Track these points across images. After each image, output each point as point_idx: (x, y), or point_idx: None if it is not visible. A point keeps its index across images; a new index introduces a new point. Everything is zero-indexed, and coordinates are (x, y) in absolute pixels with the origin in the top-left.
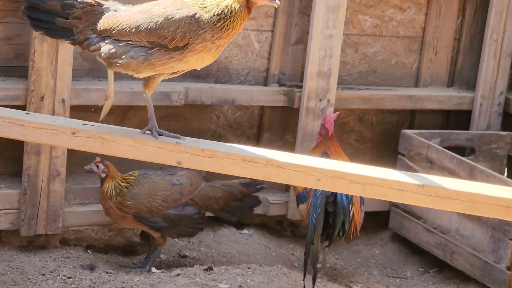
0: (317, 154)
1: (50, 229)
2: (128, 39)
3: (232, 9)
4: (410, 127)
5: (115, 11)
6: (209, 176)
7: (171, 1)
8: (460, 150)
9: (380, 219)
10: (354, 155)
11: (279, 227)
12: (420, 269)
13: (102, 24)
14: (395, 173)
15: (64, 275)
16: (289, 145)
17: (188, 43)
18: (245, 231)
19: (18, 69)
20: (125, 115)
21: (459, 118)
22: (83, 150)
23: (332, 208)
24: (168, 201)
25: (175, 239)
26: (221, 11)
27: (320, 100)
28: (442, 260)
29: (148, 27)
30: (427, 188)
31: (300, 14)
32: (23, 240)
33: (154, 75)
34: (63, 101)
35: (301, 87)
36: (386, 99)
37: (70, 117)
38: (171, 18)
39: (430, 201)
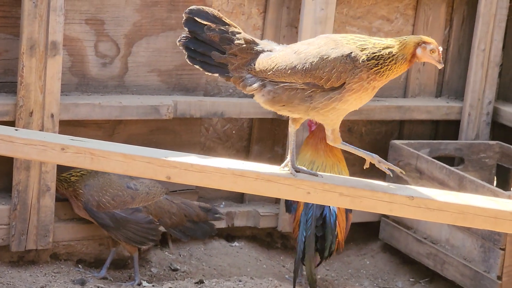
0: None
1: (40, 244)
2: (284, 81)
3: (393, 58)
4: (399, 138)
5: (270, 51)
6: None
7: (325, 40)
8: (449, 160)
9: (370, 229)
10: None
11: (269, 239)
12: (411, 279)
13: (257, 65)
14: (385, 186)
15: None
16: (279, 157)
17: (344, 82)
18: (235, 243)
19: (7, 84)
20: (114, 129)
21: (447, 128)
22: (72, 165)
23: (320, 232)
24: (117, 201)
25: (167, 253)
26: (380, 56)
27: None
28: (433, 270)
29: (304, 68)
30: (417, 200)
31: (288, 27)
32: (13, 255)
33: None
34: (52, 116)
35: None
36: (375, 110)
37: (59, 132)
38: (326, 58)
39: (419, 213)
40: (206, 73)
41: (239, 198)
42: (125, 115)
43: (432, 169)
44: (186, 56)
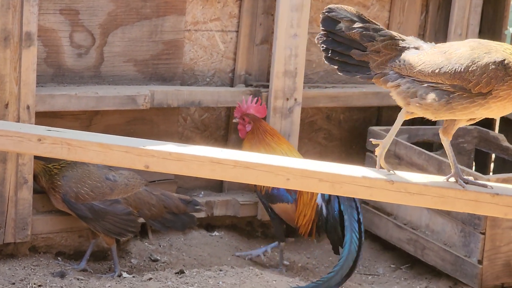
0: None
1: (19, 237)
2: (429, 81)
3: None
4: (378, 124)
5: (417, 48)
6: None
7: (475, 43)
8: (428, 145)
9: None
10: (322, 154)
11: (249, 228)
12: (392, 266)
13: (403, 62)
14: (365, 170)
15: (35, 283)
16: None
17: (492, 89)
18: (215, 233)
19: None
20: (91, 120)
21: None
22: (49, 156)
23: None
24: (96, 192)
25: (147, 244)
26: None
27: (287, 99)
28: (414, 256)
29: (453, 70)
30: (397, 184)
31: (264, 14)
32: None
33: (454, 121)
34: (28, 107)
35: (267, 87)
36: (353, 96)
37: (35, 124)
38: (478, 62)
39: (400, 197)
40: (343, 74)
41: (218, 187)
42: (102, 106)
43: (411, 155)
44: (324, 57)
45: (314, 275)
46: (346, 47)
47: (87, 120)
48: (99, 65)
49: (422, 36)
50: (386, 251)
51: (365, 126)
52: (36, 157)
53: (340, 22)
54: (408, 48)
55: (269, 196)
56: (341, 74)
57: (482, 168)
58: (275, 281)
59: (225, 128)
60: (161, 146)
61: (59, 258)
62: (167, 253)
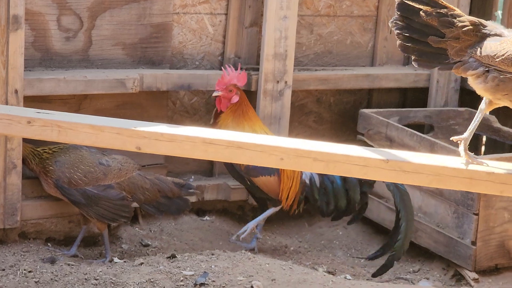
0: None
1: (8, 223)
2: None
3: None
4: (368, 107)
5: (499, 35)
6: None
7: None
8: (419, 127)
9: None
10: (313, 137)
11: (240, 212)
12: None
13: (484, 49)
14: (359, 149)
15: (25, 269)
16: None
17: None
18: (206, 217)
19: None
20: (80, 104)
21: (416, 96)
22: (39, 139)
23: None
24: (89, 178)
25: (137, 229)
26: None
27: (278, 82)
28: None
29: None
30: (391, 163)
31: None
32: None
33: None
34: (16, 92)
35: (257, 69)
36: (343, 79)
37: None
38: None
39: (395, 176)
40: (418, 64)
41: (209, 171)
42: (91, 90)
43: (403, 137)
44: (398, 44)
45: (306, 258)
46: (423, 34)
47: (76, 104)
48: (88, 49)
49: None
50: (378, 235)
51: (356, 109)
52: (24, 141)
53: (417, 7)
54: (489, 35)
55: (250, 170)
56: (416, 65)
57: (473, 150)
58: (268, 264)
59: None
60: (152, 127)
61: (49, 244)
62: (158, 238)
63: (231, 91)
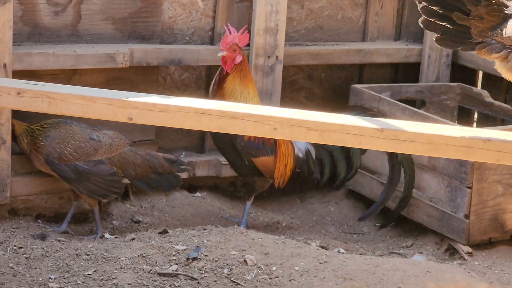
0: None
1: None
2: None
3: None
4: (359, 83)
5: None
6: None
7: None
8: (411, 103)
9: None
10: None
11: (232, 189)
12: (376, 224)
13: (506, 31)
14: (354, 119)
15: (15, 245)
16: None
17: None
18: (198, 194)
19: None
20: (69, 80)
21: (408, 71)
22: (29, 110)
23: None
24: (79, 153)
25: (128, 205)
26: None
27: (269, 57)
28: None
29: None
30: (386, 132)
31: None
32: None
33: None
34: (4, 66)
35: (248, 44)
36: (334, 54)
37: None
38: None
39: (390, 145)
40: (442, 44)
41: (200, 147)
42: (80, 64)
43: (395, 111)
44: (421, 20)
45: (299, 233)
46: (449, 8)
47: (66, 80)
48: (77, 24)
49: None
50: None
51: (347, 84)
52: (17, 117)
53: None
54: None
55: (250, 150)
56: (439, 44)
57: (465, 125)
58: (260, 238)
59: (205, 88)
60: (144, 98)
61: (39, 220)
62: (149, 214)
63: (234, 50)
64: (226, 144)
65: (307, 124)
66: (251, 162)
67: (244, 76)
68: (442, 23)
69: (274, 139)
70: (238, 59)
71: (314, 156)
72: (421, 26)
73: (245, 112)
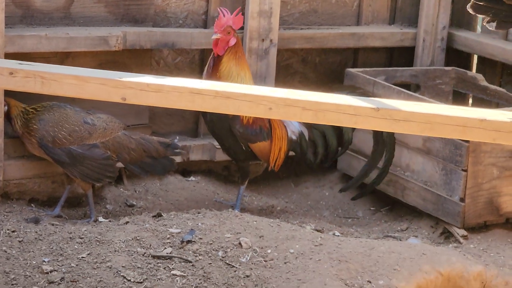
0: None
1: None
2: None
3: None
4: (354, 67)
5: None
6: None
7: None
8: (405, 87)
9: None
10: None
11: (226, 173)
12: (371, 208)
13: None
14: (349, 98)
15: (8, 229)
16: None
17: None
18: (192, 178)
19: None
20: (62, 62)
21: (402, 56)
22: (22, 90)
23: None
24: (74, 137)
25: (122, 189)
26: None
27: (263, 40)
28: (394, 197)
29: None
30: (382, 111)
31: None
32: None
33: None
34: None
35: (242, 28)
36: (329, 37)
37: None
38: None
39: (385, 124)
40: (493, 26)
41: (194, 132)
42: (73, 47)
43: (390, 95)
44: (470, 5)
45: (293, 217)
46: None
47: (58, 63)
48: (69, 6)
49: None
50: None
51: (341, 69)
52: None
53: None
54: None
55: (248, 136)
56: (490, 26)
57: None
58: (255, 221)
59: (199, 72)
60: (138, 78)
61: (32, 204)
62: (143, 198)
63: (229, 33)
64: (224, 130)
65: (301, 103)
66: (248, 148)
67: (240, 58)
68: (492, 5)
69: (270, 123)
70: (232, 41)
71: (307, 138)
72: (470, 11)
73: (239, 92)
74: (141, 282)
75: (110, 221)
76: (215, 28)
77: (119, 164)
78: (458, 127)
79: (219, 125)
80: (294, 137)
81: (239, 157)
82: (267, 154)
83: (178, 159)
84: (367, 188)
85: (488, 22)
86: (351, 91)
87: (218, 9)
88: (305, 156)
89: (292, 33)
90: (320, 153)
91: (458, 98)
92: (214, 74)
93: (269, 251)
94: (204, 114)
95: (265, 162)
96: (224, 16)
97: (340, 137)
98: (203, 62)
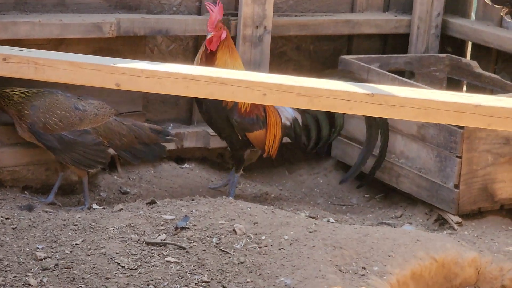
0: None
1: None
2: None
3: None
4: (348, 54)
5: None
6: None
7: None
8: (400, 74)
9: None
10: None
11: (220, 160)
12: (365, 196)
13: None
14: (344, 84)
15: (2, 216)
16: None
17: None
18: (186, 165)
19: None
20: (55, 49)
21: (396, 43)
22: (16, 76)
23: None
24: (64, 123)
25: (116, 177)
26: None
27: (257, 27)
28: (388, 184)
29: None
30: (377, 97)
31: None
32: None
33: None
34: None
35: (236, 15)
36: (323, 24)
37: None
38: None
39: (380, 110)
40: (508, 17)
41: (188, 119)
42: (67, 34)
43: (384, 82)
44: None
45: (288, 204)
46: None
47: (51, 49)
48: None
49: None
50: (359, 182)
51: (336, 56)
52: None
53: None
54: None
55: (245, 125)
56: (507, 17)
57: None
58: (249, 208)
59: (193, 59)
60: (132, 64)
61: (26, 192)
62: (137, 185)
63: (220, 28)
64: (221, 120)
65: (296, 89)
66: (245, 137)
67: (232, 50)
68: None
69: (265, 111)
70: (224, 35)
71: (300, 123)
72: (488, 1)
73: (234, 78)
74: (135, 269)
75: (104, 208)
76: (208, 27)
77: (111, 151)
78: (453, 113)
79: (216, 115)
80: (288, 123)
81: (235, 146)
82: (263, 142)
83: (172, 146)
84: (367, 177)
85: (506, 13)
86: (342, 75)
87: (206, 6)
88: (299, 141)
89: (286, 20)
90: (314, 138)
91: (453, 85)
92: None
93: (263, 237)
94: (200, 104)
95: (260, 150)
96: (213, 11)
97: (332, 121)
98: (197, 49)
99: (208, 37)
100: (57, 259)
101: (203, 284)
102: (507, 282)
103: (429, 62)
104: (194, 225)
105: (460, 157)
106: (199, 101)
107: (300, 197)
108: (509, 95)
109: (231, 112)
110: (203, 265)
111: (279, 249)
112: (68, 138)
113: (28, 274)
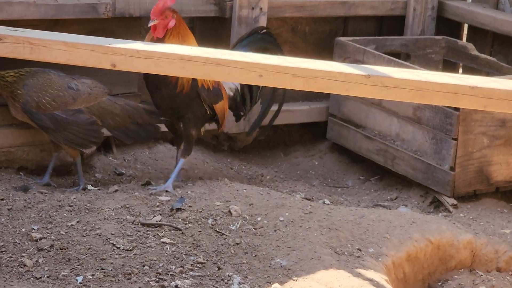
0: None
1: None
2: None
3: None
4: (344, 36)
5: None
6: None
7: None
8: (396, 56)
9: (317, 130)
10: None
11: (215, 142)
12: (361, 178)
13: None
14: (340, 65)
15: None
16: None
17: None
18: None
19: None
20: (50, 30)
21: (392, 25)
22: (11, 56)
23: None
24: (58, 102)
25: (111, 158)
26: None
27: (253, 8)
28: (384, 167)
29: None
30: (373, 78)
31: None
32: None
33: None
34: None
35: None
36: (319, 6)
37: None
38: None
39: (376, 91)
40: None
41: None
42: (62, 14)
43: (380, 64)
44: None
45: (283, 186)
46: None
47: (46, 30)
48: None
49: None
50: (355, 164)
51: (331, 38)
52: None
53: None
54: None
55: (213, 96)
56: None
57: None
58: (245, 189)
59: None
60: (128, 44)
61: (21, 173)
62: (132, 167)
63: (166, 17)
64: (188, 99)
65: (292, 70)
66: (211, 109)
67: (184, 36)
68: None
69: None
70: (171, 23)
71: (240, 93)
72: None
73: (230, 59)
74: (130, 250)
75: (99, 189)
76: (152, 15)
77: (105, 131)
78: (449, 94)
79: (185, 96)
80: (231, 94)
81: (197, 124)
82: (224, 113)
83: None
84: (266, 126)
85: None
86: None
87: None
88: (238, 111)
89: (282, 1)
90: (248, 106)
91: (449, 67)
92: None
93: (259, 219)
94: (158, 89)
95: (220, 123)
96: (160, 1)
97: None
98: (192, 31)
99: (150, 24)
100: (53, 240)
101: (198, 265)
102: (502, 264)
103: (425, 44)
104: (190, 206)
105: (456, 139)
106: (158, 88)
107: (296, 179)
108: (505, 77)
109: (202, 86)
110: (199, 246)
111: (275, 231)
112: (61, 117)
113: (24, 254)
